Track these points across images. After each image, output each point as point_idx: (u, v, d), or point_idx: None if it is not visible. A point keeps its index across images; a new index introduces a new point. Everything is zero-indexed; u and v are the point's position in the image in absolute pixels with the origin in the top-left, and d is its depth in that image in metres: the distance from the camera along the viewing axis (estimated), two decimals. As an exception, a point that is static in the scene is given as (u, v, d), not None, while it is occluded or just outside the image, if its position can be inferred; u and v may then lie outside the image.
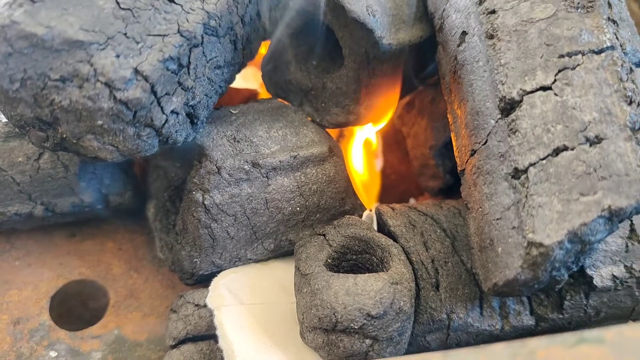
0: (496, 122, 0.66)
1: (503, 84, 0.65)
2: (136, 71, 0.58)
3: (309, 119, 0.85)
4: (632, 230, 0.75)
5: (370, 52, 0.76)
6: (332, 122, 0.84)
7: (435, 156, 0.94)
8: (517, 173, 0.62)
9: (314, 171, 0.79)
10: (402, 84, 0.87)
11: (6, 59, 0.55)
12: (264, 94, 0.94)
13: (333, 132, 0.95)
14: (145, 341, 0.83)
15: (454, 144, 0.76)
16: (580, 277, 0.74)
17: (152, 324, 0.85)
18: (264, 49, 0.87)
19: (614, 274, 0.73)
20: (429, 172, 0.97)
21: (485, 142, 0.67)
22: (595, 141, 0.59)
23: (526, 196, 0.60)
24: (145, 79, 0.59)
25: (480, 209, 0.68)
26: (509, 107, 0.65)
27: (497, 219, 0.64)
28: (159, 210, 0.87)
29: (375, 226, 0.83)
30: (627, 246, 0.75)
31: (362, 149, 0.99)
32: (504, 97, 0.65)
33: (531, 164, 0.61)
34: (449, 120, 0.77)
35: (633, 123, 0.60)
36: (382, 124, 0.91)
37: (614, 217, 0.57)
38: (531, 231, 0.58)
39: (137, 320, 0.85)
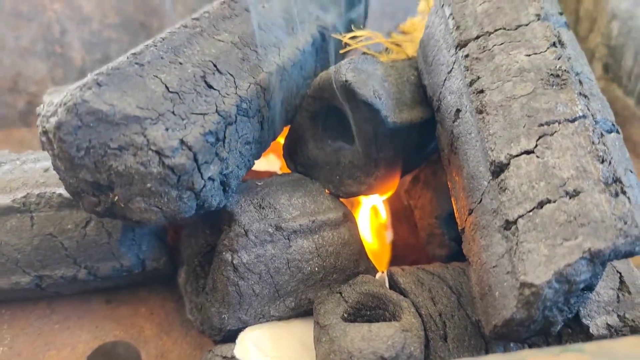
0: (488, 182, 0.75)
1: (492, 150, 0.75)
2: (182, 142, 0.70)
3: (326, 191, 0.95)
4: (622, 281, 0.82)
5: (377, 129, 0.87)
6: (346, 192, 0.94)
7: (441, 225, 1.02)
8: (508, 225, 0.70)
9: (330, 234, 0.88)
10: (408, 161, 0.98)
11: (76, 130, 0.67)
12: (284, 170, 1.05)
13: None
14: (175, 398, 0.88)
15: (454, 207, 0.85)
16: (577, 326, 0.80)
17: (181, 382, 0.90)
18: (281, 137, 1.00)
19: (609, 322, 0.79)
20: (436, 240, 1.05)
21: (480, 200, 0.76)
22: (574, 194, 0.67)
23: (517, 244, 0.68)
24: (190, 148, 0.70)
25: (479, 260, 0.76)
26: (498, 169, 0.74)
27: (494, 266, 0.72)
28: (190, 275, 0.95)
29: (387, 286, 0.90)
30: (618, 297, 0.81)
31: (370, 220, 1.08)
32: (494, 161, 0.74)
33: (520, 216, 0.69)
34: (449, 186, 0.86)
35: (606, 178, 0.69)
36: (388, 194, 1.01)
37: (594, 259, 0.64)
38: (523, 273, 0.66)
39: (167, 379, 0.91)
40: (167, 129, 0.69)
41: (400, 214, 1.19)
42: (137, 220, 0.75)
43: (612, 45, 1.52)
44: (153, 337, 0.96)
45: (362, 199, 1.08)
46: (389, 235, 1.13)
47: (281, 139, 1.00)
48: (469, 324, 0.82)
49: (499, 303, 0.69)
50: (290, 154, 0.99)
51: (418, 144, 0.97)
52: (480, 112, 0.79)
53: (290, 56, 0.90)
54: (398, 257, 1.12)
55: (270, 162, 1.23)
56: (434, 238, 1.05)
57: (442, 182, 1.01)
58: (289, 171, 1.00)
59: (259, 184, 0.91)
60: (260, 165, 1.21)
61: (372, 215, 1.15)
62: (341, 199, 0.95)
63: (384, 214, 1.17)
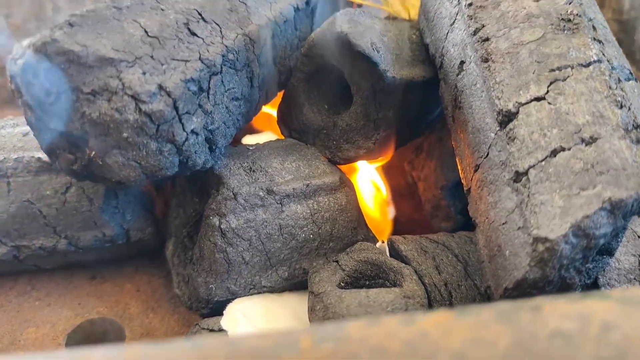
0: (495, 134, 0.69)
1: (499, 99, 0.69)
2: (160, 87, 0.64)
3: (322, 157, 0.90)
4: (644, 246, 0.75)
5: (376, 86, 0.81)
6: (343, 158, 0.88)
7: (446, 196, 0.97)
8: (518, 176, 0.64)
9: (326, 199, 0.82)
10: (409, 126, 0.92)
11: (45, 73, 0.61)
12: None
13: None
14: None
15: (459, 167, 0.79)
16: (596, 294, 0.73)
17: (166, 361, 0.84)
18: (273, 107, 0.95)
19: (630, 290, 0.72)
20: (441, 213, 0.99)
21: (487, 154, 0.70)
22: (590, 141, 0.61)
23: (528, 196, 0.62)
24: (168, 94, 0.65)
25: (486, 220, 0.69)
26: (506, 119, 0.68)
27: (503, 223, 0.66)
28: (178, 247, 0.89)
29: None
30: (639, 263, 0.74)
31: (371, 193, 1.02)
32: (501, 110, 0.68)
33: (531, 166, 0.63)
34: (454, 146, 0.80)
35: (625, 124, 0.63)
36: (384, 161, 0.95)
37: (615, 210, 0.58)
38: (536, 227, 0.59)
39: (152, 357, 0.84)
40: (144, 73, 0.64)
41: (403, 190, 1.13)
42: (116, 179, 0.70)
43: (623, 20, 1.46)
44: (138, 315, 0.90)
45: (359, 167, 1.02)
46: (391, 212, 1.07)
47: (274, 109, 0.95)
48: (477, 294, 0.76)
49: (509, 263, 0.63)
50: (285, 119, 0.93)
51: (420, 108, 0.91)
52: (486, 60, 0.73)
53: (283, 12, 0.85)
54: (401, 233, 1.05)
55: (267, 139, 1.17)
56: (439, 211, 0.99)
57: (447, 149, 0.95)
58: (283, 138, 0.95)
59: (250, 148, 0.86)
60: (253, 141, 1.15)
61: (374, 188, 1.09)
62: (338, 166, 0.89)
63: (384, 190, 1.11)
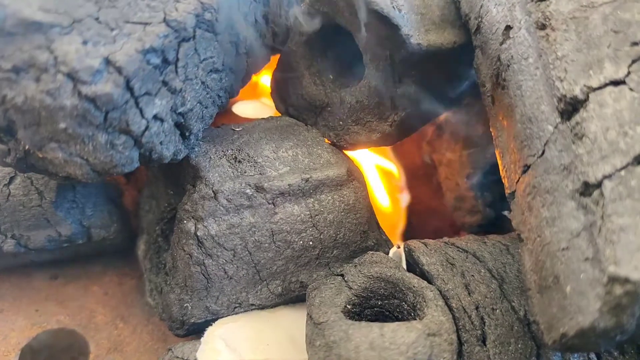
0: (555, 127, 0.53)
1: (562, 81, 0.53)
2: (107, 61, 0.48)
3: (326, 140, 0.73)
4: None
5: (396, 55, 0.64)
6: (352, 142, 0.72)
7: (473, 187, 0.82)
8: (587, 189, 0.49)
9: (329, 198, 0.67)
10: (433, 103, 0.75)
11: (-54, 42, 0.45)
12: (276, 114, 0.83)
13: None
14: (127, 406, 0.69)
15: (499, 162, 0.63)
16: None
17: (136, 385, 0.71)
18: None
19: None
20: (466, 205, 0.84)
21: (542, 153, 0.54)
22: (691, 144, 0.45)
23: (602, 217, 0.47)
24: (119, 71, 0.48)
25: (538, 239, 0.54)
26: (570, 108, 0.52)
27: (563, 249, 0.51)
28: (150, 247, 0.75)
29: (404, 266, 0.69)
30: None
31: (378, 177, 0.86)
32: (564, 96, 0.52)
33: (605, 176, 0.48)
34: (492, 134, 0.64)
35: None
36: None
37: None
38: (612, 262, 0.45)
39: (120, 380, 0.71)
40: (85, 42, 0.48)
41: (418, 171, 0.97)
42: (63, 175, 0.54)
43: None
44: (106, 325, 0.77)
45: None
46: (403, 198, 0.91)
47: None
48: (516, 320, 0.62)
49: (571, 303, 0.49)
50: (280, 91, 0.78)
51: (447, 81, 0.73)
52: (543, 27, 0.58)
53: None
54: (415, 225, 0.91)
55: (258, 108, 1.00)
56: (463, 202, 0.85)
57: (477, 132, 0.80)
58: (278, 115, 0.78)
59: (237, 129, 0.70)
60: (243, 111, 0.99)
61: (378, 170, 0.93)
62: (344, 151, 0.74)
63: (395, 171, 0.95)
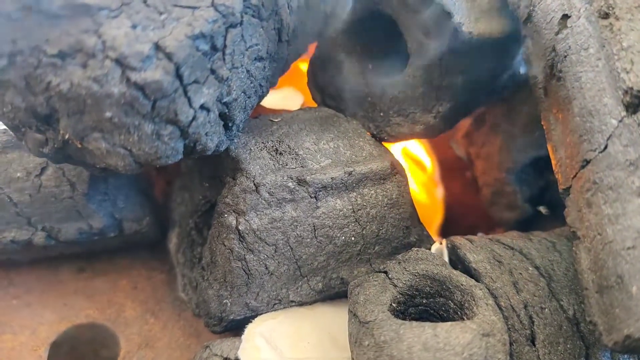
0: (620, 121, 0.51)
1: (628, 72, 0.51)
2: (157, 47, 0.46)
3: (367, 132, 0.71)
4: None
5: (445, 44, 0.62)
6: (393, 135, 0.70)
7: (512, 181, 0.80)
8: (658, 186, 0.46)
9: (372, 192, 0.65)
10: (475, 95, 0.73)
11: (-10, 25, 0.43)
12: (309, 104, 0.81)
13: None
14: (161, 404, 0.68)
15: (551, 157, 0.61)
16: None
17: (169, 382, 0.70)
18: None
19: None
20: (504, 200, 0.82)
21: (605, 148, 0.52)
22: None
23: (675, 216, 0.44)
24: (169, 57, 0.46)
25: (599, 237, 0.52)
26: (637, 101, 0.50)
27: (629, 247, 0.48)
28: (183, 241, 0.73)
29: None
30: None
31: (411, 170, 0.84)
32: (631, 88, 0.50)
33: (680, 173, 0.45)
34: (544, 128, 0.62)
35: None
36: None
37: None
38: (688, 263, 0.42)
39: (152, 377, 0.70)
40: (134, 26, 0.46)
41: (451, 164, 0.95)
42: (101, 167, 0.52)
43: None
44: (136, 319, 0.75)
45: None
46: (439, 192, 0.89)
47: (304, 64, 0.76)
48: (564, 320, 0.60)
49: (637, 304, 0.46)
50: (317, 81, 0.76)
51: (491, 71, 0.71)
52: (606, 16, 0.55)
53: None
54: (450, 220, 0.89)
55: (287, 97, 0.97)
56: (501, 197, 0.83)
57: (519, 124, 0.78)
58: (315, 105, 0.76)
59: (275, 120, 0.67)
60: (270, 101, 0.95)
61: (410, 163, 0.90)
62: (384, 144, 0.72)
63: (428, 163, 0.92)
